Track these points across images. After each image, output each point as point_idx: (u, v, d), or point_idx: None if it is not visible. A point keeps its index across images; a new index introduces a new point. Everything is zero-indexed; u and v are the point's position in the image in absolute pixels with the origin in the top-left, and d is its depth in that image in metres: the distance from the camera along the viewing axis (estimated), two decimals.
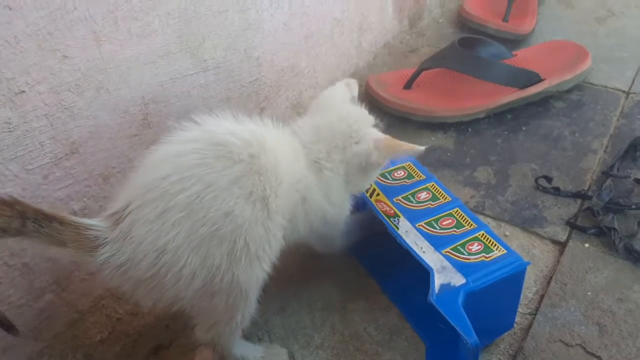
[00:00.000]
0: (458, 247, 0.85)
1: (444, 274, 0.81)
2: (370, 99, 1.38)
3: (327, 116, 0.85)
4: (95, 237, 0.69)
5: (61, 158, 0.82)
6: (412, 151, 0.83)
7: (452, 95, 1.36)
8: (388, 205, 0.92)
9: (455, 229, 0.88)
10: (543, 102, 1.39)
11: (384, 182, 0.97)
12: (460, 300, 0.77)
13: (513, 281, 0.85)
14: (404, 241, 0.86)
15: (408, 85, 1.39)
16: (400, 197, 0.94)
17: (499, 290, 0.83)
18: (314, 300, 1.00)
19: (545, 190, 1.17)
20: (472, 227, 0.88)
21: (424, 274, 0.82)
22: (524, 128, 1.34)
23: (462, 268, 0.81)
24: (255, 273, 0.74)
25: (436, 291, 0.78)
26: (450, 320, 0.74)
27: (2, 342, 0.83)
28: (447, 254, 0.84)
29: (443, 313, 0.75)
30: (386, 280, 1.01)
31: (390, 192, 0.94)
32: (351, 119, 0.85)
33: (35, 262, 0.84)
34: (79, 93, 0.82)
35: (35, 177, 0.80)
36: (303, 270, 1.04)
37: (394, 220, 0.89)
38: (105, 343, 0.94)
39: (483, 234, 0.87)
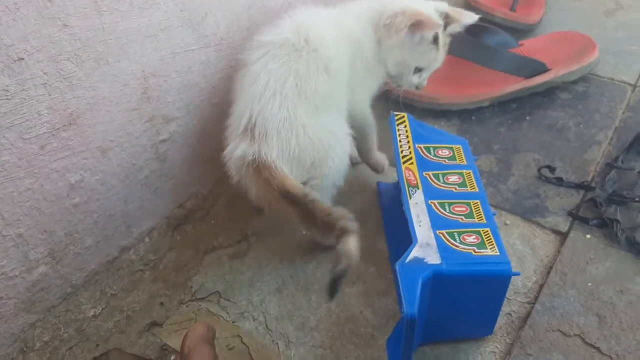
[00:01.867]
0: (454, 233, 0.84)
1: (424, 249, 0.81)
2: None
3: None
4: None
5: (58, 129, 0.81)
6: (433, 24, 0.97)
7: (457, 83, 1.35)
8: (414, 176, 0.92)
9: (463, 217, 0.86)
10: (548, 93, 1.38)
11: (425, 155, 0.97)
12: (423, 276, 0.76)
13: (492, 283, 0.83)
14: (409, 210, 0.87)
15: None
16: (430, 173, 0.93)
17: (474, 286, 0.82)
18: (310, 282, 1.00)
19: (547, 180, 1.15)
20: (480, 222, 0.86)
21: None
22: (528, 118, 1.32)
23: (445, 251, 0.80)
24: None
25: (406, 260, 0.79)
26: (401, 287, 0.75)
27: None
28: (440, 235, 0.83)
29: (399, 279, 0.76)
30: (394, 246, 1.03)
31: (424, 165, 0.94)
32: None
33: (30, 234, 0.83)
34: (79, 63, 0.80)
35: (32, 146, 0.79)
36: (300, 253, 1.03)
37: (412, 190, 0.90)
38: (98, 318, 0.94)
39: (486, 231, 0.84)
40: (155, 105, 0.94)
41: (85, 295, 0.94)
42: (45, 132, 0.80)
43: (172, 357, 0.90)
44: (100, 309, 0.94)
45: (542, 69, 1.34)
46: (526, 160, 1.21)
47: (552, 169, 1.16)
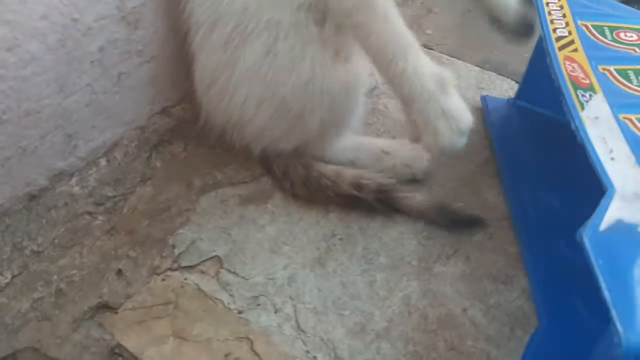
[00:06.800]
0: None
1: (632, 205, 0.51)
2: None
3: None
4: None
5: None
6: None
7: None
8: (584, 71, 0.63)
9: None
10: None
11: (595, 38, 0.69)
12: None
13: None
14: (584, 131, 0.57)
15: None
16: (611, 68, 0.64)
17: None
18: (375, 249, 0.69)
19: None
20: None
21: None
22: None
23: None
24: None
25: (602, 226, 0.50)
26: (601, 280, 0.46)
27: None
28: None
29: (594, 263, 0.47)
30: (519, 199, 0.76)
31: (598, 53, 0.65)
32: None
33: None
34: None
35: None
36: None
37: (582, 96, 0.60)
38: (5, 292, 0.62)
39: None
40: None
41: None
42: None
43: None
44: (10, 276, 0.63)
45: None
46: None
47: None
